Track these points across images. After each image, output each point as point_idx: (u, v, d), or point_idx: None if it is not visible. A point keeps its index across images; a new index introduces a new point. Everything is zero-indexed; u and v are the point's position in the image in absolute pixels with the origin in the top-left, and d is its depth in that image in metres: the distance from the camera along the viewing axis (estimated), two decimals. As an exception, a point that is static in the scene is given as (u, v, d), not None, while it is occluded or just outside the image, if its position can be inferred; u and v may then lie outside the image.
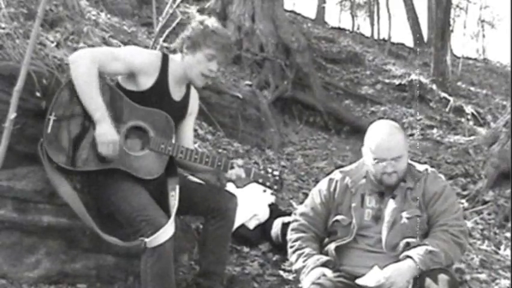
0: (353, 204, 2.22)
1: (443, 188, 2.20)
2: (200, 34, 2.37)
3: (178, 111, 2.51)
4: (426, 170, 2.26)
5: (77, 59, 2.24)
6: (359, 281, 2.04)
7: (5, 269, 2.26)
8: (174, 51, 2.55)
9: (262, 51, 7.46)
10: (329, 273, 2.10)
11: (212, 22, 2.43)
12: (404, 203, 2.17)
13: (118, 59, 2.32)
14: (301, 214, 2.37)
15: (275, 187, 2.42)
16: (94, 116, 2.23)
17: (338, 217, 2.25)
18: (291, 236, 2.33)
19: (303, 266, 2.17)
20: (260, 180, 2.41)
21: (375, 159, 2.17)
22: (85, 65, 2.22)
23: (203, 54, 2.37)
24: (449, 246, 2.05)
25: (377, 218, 2.18)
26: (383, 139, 2.17)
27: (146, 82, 2.37)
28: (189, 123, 2.61)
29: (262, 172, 2.43)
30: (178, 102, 2.50)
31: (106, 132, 2.22)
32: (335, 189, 2.31)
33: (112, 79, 2.54)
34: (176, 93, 2.49)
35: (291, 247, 2.29)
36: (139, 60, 2.36)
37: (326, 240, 2.29)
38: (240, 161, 2.45)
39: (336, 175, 2.35)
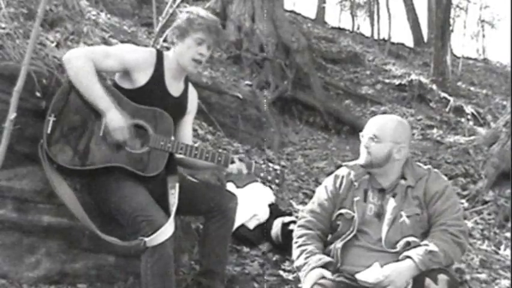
0: (356, 199, 2.23)
1: (444, 187, 2.20)
2: (186, 21, 2.41)
3: (178, 107, 2.51)
4: (429, 169, 2.27)
5: (71, 57, 2.25)
6: (358, 276, 2.04)
7: (5, 269, 2.26)
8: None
9: (262, 51, 7.46)
10: (328, 274, 2.09)
11: (197, 9, 2.47)
12: (404, 202, 2.18)
13: (111, 56, 2.33)
14: (309, 211, 2.36)
15: (276, 181, 2.43)
16: (100, 106, 2.25)
17: (342, 210, 2.25)
18: (296, 231, 2.33)
19: (304, 264, 2.17)
20: (261, 175, 2.43)
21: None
22: (80, 61, 2.24)
23: (192, 39, 2.39)
24: (448, 246, 2.05)
25: (379, 214, 2.19)
26: (375, 118, 2.31)
27: (142, 78, 2.38)
28: (188, 121, 2.62)
29: (263, 166, 2.46)
30: (177, 98, 2.50)
31: (114, 119, 2.25)
32: (340, 185, 2.32)
33: (111, 78, 2.54)
34: (174, 89, 2.49)
35: (295, 242, 2.29)
36: (132, 57, 2.37)
37: (329, 237, 2.29)
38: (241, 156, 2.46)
39: (342, 171, 2.37)
